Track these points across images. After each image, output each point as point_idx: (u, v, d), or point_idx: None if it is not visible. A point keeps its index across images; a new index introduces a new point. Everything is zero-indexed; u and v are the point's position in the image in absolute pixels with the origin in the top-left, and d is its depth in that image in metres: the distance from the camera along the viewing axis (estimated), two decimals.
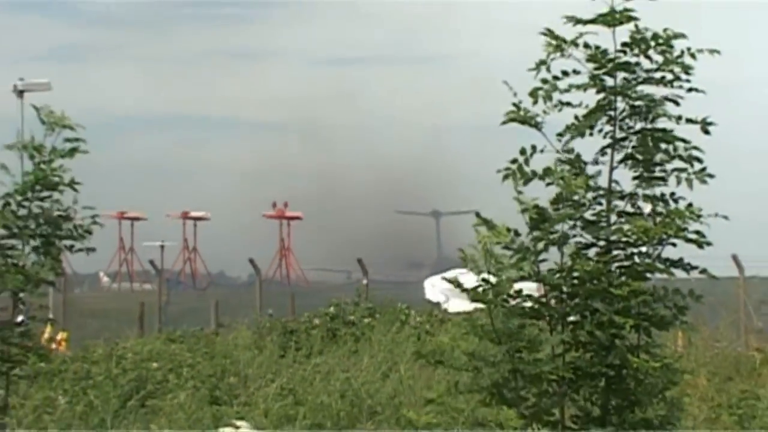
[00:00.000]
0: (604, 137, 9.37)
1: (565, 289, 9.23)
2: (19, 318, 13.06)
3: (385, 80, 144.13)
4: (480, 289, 9.16)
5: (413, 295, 32.32)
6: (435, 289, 32.35)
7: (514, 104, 9.30)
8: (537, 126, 9.29)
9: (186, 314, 32.95)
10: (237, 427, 5.75)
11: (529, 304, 9.22)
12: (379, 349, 18.73)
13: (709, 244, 9.29)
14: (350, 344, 21.26)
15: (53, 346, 25.39)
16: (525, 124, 9.33)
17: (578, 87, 9.27)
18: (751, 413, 11.32)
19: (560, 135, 9.32)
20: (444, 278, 9.85)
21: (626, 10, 9.13)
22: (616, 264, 9.27)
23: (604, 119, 9.34)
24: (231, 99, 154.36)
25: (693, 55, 9.16)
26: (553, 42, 9.26)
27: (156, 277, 41.23)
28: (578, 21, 9.15)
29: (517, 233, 9.14)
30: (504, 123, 9.37)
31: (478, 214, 9.24)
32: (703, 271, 9.45)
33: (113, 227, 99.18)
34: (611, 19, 9.13)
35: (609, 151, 9.31)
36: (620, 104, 9.34)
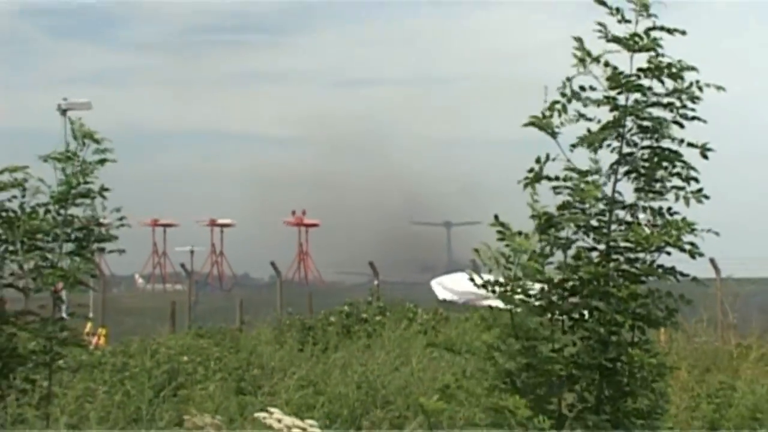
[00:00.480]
0: (612, 151, 9.32)
1: (568, 288, 9.20)
2: (60, 314, 13.16)
3: (395, 99, 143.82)
4: (505, 288, 9.10)
5: (421, 295, 32.26)
6: (439, 287, 32.33)
7: (541, 114, 9.23)
8: (554, 134, 9.28)
9: (213, 312, 32.93)
10: (271, 414, 5.70)
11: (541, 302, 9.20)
12: (390, 344, 18.76)
13: (701, 255, 9.35)
14: (363, 340, 21.27)
15: (92, 340, 25.48)
16: (543, 131, 9.29)
17: (593, 102, 9.21)
18: (728, 402, 11.33)
19: (573, 146, 9.25)
20: (470, 277, 9.77)
21: (654, 39, 9.07)
22: (615, 267, 9.21)
23: (613, 134, 9.29)
24: (254, 116, 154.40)
25: (700, 88, 9.08)
26: (579, 53, 9.18)
27: (186, 278, 41.26)
28: (606, 36, 9.09)
29: (527, 237, 9.11)
30: (525, 125, 9.29)
31: (496, 217, 9.22)
32: (694, 279, 9.50)
33: (147, 233, 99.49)
34: (634, 44, 9.07)
35: (615, 164, 9.26)
36: (629, 122, 9.29)
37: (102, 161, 12.78)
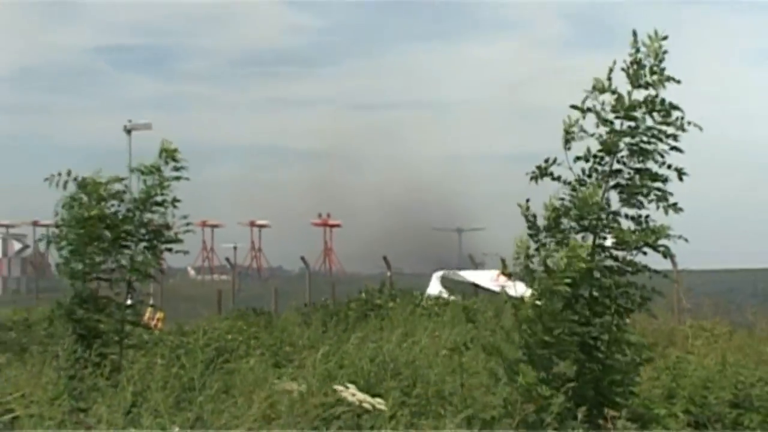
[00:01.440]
0: (604, 166, 9.38)
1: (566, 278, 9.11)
2: (129, 301, 13.28)
3: (405, 120, 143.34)
4: (537, 278, 9.17)
5: (427, 284, 32.24)
6: (437, 280, 32.21)
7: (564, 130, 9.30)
8: (568, 145, 9.36)
9: (253, 299, 33.01)
10: (347, 388, 5.50)
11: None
12: (399, 325, 18.76)
13: (672, 255, 9.39)
14: (377, 322, 21.28)
15: (153, 323, 25.55)
16: (568, 139, 9.34)
17: (597, 123, 9.28)
18: (683, 373, 11.36)
19: (578, 158, 9.35)
20: (502, 267, 9.59)
21: (667, 77, 9.08)
22: (600, 261, 9.31)
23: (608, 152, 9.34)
24: (286, 133, 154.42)
25: (683, 126, 9.16)
26: (599, 85, 9.20)
27: (230, 270, 41.38)
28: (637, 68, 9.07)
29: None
30: (565, 135, 9.35)
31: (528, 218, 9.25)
32: (665, 276, 9.56)
33: (198, 233, 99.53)
34: (636, 81, 9.13)
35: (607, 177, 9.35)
36: (621, 144, 9.31)
37: (177, 178, 12.94)
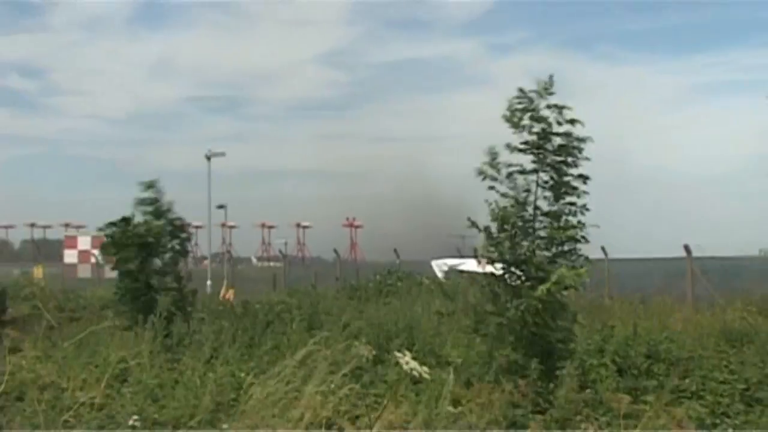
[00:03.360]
0: (535, 179, 9.11)
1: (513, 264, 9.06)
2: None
3: (413, 149, 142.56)
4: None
5: (430, 270, 31.98)
6: (437, 267, 32.01)
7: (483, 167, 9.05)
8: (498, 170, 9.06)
9: (298, 280, 32.98)
10: (404, 355, 5.18)
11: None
12: (404, 300, 18.77)
13: (587, 241, 9.15)
14: (388, 297, 21.30)
15: (228, 297, 25.58)
16: (491, 169, 9.05)
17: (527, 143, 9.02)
18: (610, 335, 11.31)
19: (510, 174, 9.07)
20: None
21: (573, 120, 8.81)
22: (534, 250, 9.09)
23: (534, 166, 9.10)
24: (325, 159, 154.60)
25: (583, 139, 8.95)
26: (514, 118, 8.90)
27: (282, 259, 41.49)
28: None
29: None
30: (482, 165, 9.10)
31: (485, 228, 9.02)
32: (586, 259, 9.15)
33: (259, 231, 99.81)
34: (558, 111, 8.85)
35: (537, 188, 9.13)
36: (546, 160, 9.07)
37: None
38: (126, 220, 12.81)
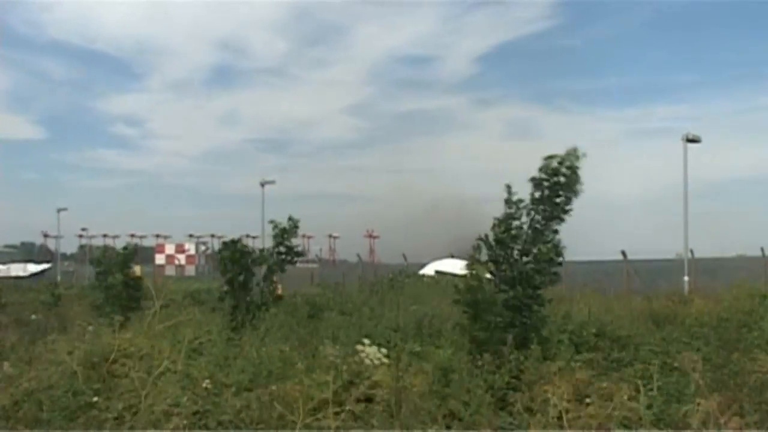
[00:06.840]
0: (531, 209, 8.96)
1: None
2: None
3: (422, 178, 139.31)
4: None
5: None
6: (429, 268, 31.60)
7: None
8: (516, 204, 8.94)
9: (330, 278, 33.08)
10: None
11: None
12: (410, 293, 18.80)
13: (561, 264, 9.00)
14: (399, 291, 21.33)
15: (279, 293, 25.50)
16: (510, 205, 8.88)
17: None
18: (570, 318, 11.29)
19: (519, 201, 8.95)
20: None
21: (572, 167, 8.68)
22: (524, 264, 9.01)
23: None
24: (352, 186, 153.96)
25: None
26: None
27: (317, 261, 41.64)
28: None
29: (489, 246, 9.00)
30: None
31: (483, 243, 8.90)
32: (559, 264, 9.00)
33: (300, 240, 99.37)
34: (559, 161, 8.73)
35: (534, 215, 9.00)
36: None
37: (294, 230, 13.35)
38: (234, 242, 13.02)
